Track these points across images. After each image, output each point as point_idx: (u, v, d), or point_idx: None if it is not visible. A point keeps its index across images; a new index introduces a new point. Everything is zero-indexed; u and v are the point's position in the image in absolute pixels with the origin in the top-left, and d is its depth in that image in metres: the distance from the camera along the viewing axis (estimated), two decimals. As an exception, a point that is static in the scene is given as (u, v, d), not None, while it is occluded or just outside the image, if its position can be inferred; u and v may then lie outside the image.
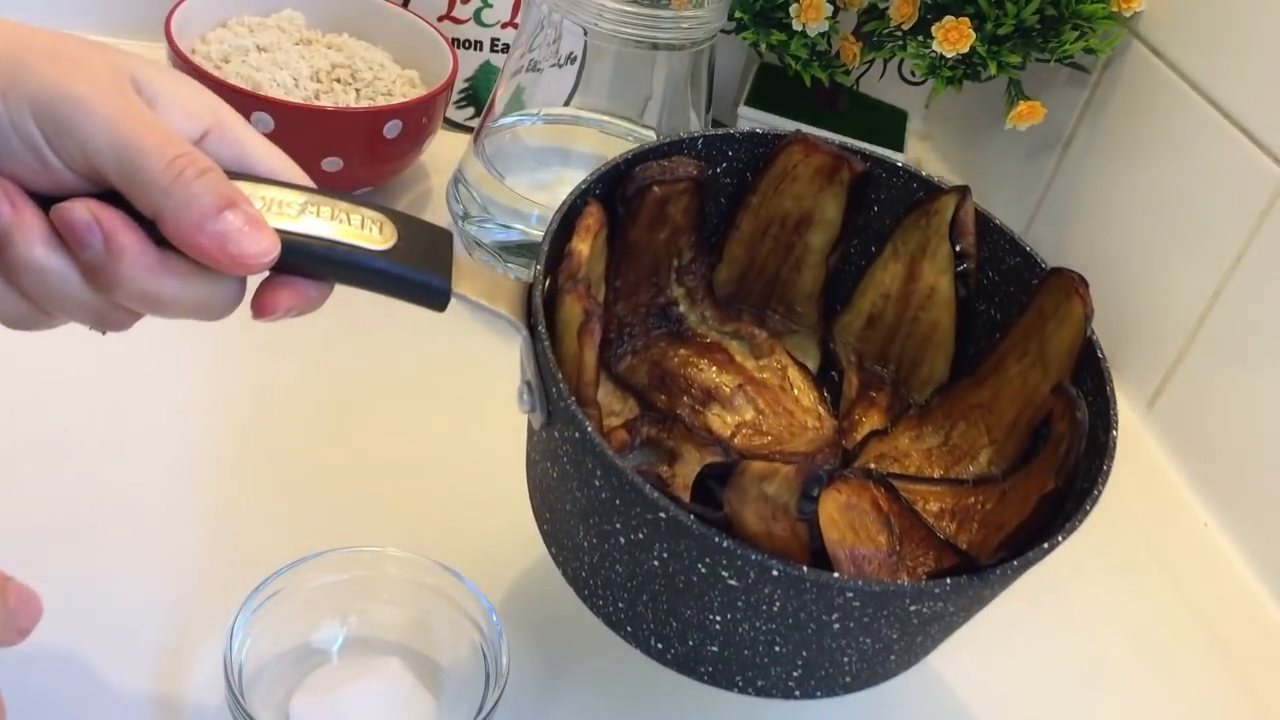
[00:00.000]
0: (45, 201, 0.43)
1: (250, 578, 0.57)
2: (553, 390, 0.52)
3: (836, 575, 0.49)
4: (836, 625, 0.51)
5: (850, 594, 0.49)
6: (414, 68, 0.95)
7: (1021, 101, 1.01)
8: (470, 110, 1.05)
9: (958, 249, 0.64)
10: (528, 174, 0.87)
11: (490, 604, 0.59)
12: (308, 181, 0.49)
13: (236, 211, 0.44)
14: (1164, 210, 0.95)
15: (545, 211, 0.83)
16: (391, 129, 0.87)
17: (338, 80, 0.91)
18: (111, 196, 0.43)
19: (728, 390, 0.66)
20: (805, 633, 0.51)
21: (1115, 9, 0.97)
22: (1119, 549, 0.83)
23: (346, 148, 0.86)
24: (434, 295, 0.49)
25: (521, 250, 0.84)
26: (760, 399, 0.67)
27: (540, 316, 0.52)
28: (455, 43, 0.99)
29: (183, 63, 0.85)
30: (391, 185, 0.96)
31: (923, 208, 0.65)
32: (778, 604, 0.50)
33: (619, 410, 0.65)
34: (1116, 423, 0.57)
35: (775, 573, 0.48)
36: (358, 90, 0.91)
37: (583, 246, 0.55)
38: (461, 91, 1.04)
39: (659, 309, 0.67)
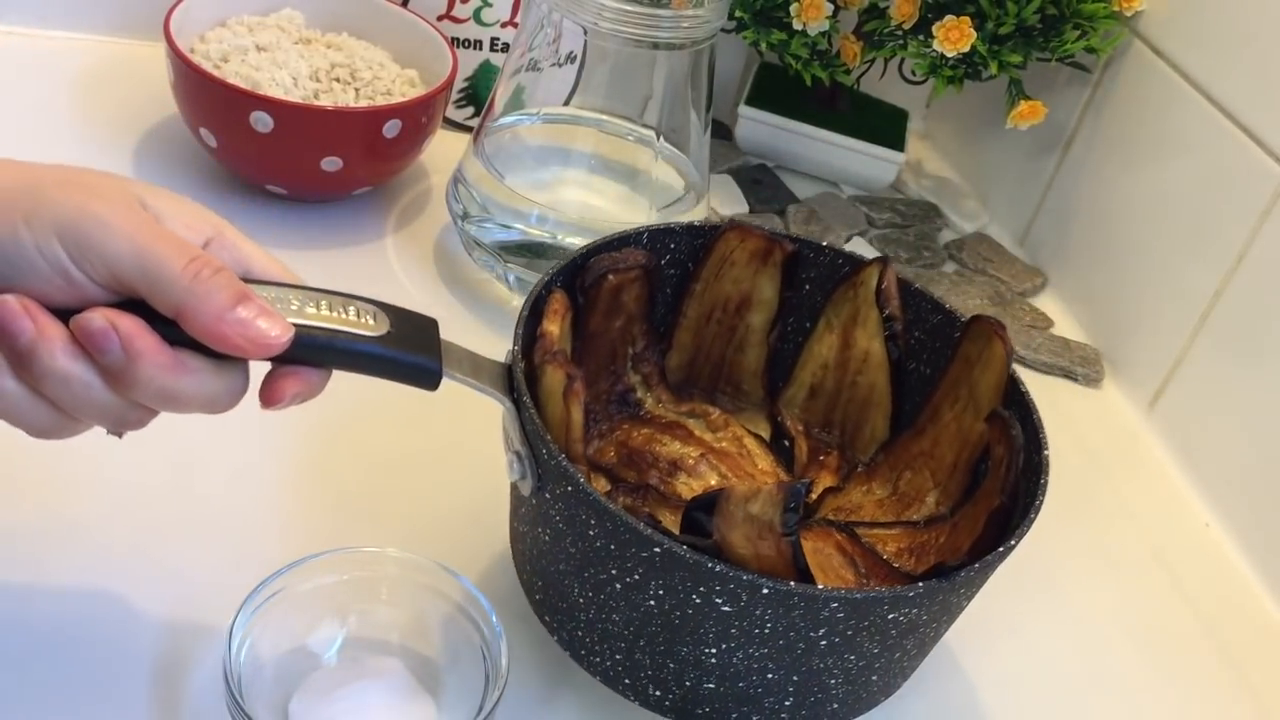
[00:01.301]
0: (64, 315, 0.47)
1: (250, 578, 0.57)
2: (543, 452, 0.56)
3: (822, 586, 0.52)
4: (824, 642, 0.54)
5: (835, 604, 0.53)
6: (413, 67, 0.95)
7: (1022, 101, 1.01)
8: (470, 110, 1.05)
9: (886, 314, 0.70)
10: (527, 174, 0.87)
11: (490, 605, 0.59)
12: (301, 282, 0.54)
13: (250, 304, 0.49)
14: (1165, 210, 0.95)
15: (545, 211, 0.83)
16: (391, 128, 0.87)
17: (337, 80, 0.91)
18: (124, 306, 0.48)
19: (691, 460, 0.71)
20: (795, 654, 0.55)
21: (1116, 8, 0.97)
22: (1119, 549, 0.83)
23: (346, 147, 0.86)
24: (428, 376, 0.54)
25: (521, 250, 0.84)
26: (722, 465, 0.71)
27: (524, 389, 0.57)
28: (455, 42, 0.99)
29: (181, 62, 0.84)
30: (391, 185, 0.96)
31: (849, 280, 0.71)
32: (769, 625, 0.53)
33: None
34: (1047, 444, 0.62)
35: (766, 591, 0.52)
36: (357, 90, 0.91)
37: (553, 327, 0.60)
38: (461, 91, 1.04)
39: (618, 396, 0.72)
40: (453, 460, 0.74)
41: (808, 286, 0.72)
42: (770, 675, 0.56)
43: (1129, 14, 0.98)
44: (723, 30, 0.85)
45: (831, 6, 1.00)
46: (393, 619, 0.60)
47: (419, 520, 0.70)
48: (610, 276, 0.66)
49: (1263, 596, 0.83)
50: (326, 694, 0.56)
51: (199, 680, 0.59)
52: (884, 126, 1.13)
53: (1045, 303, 1.05)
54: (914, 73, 1.02)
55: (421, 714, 0.57)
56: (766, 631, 0.53)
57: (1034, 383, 0.96)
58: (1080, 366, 0.97)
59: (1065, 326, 1.02)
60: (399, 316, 0.53)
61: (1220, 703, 0.74)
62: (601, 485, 0.67)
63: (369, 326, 0.52)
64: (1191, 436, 0.91)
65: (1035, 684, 0.72)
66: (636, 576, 0.54)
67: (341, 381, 0.77)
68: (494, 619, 0.58)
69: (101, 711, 0.57)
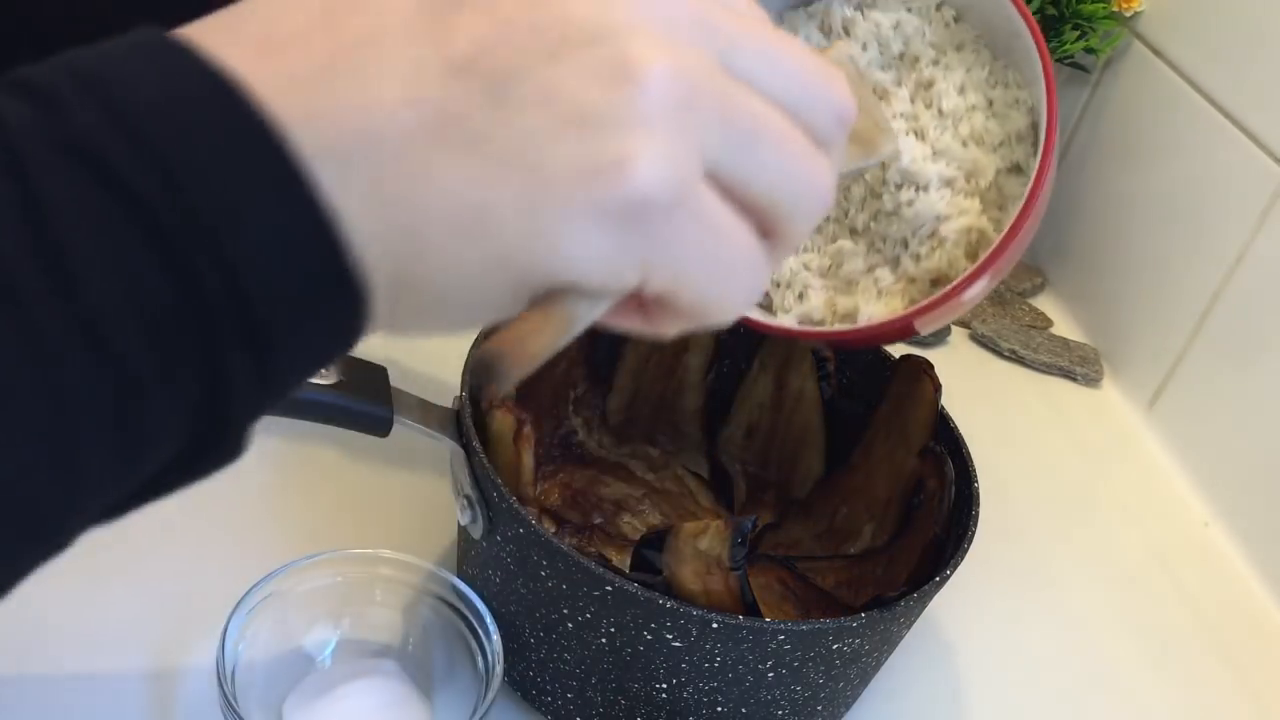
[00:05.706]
0: None
1: (244, 580, 0.57)
2: (493, 495, 0.57)
3: (768, 620, 0.54)
4: (771, 674, 0.56)
5: (782, 636, 0.54)
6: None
7: (1021, 101, 1.00)
8: (469, 111, 1.05)
9: (818, 356, 0.72)
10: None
11: (484, 606, 0.59)
12: None
13: None
14: (1165, 210, 0.94)
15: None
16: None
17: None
18: None
19: (635, 500, 0.73)
20: (744, 686, 0.56)
21: (1116, 9, 0.97)
22: (1119, 549, 0.83)
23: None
24: (380, 423, 0.55)
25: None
26: (665, 504, 0.73)
27: (473, 434, 0.58)
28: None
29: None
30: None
31: None
32: (718, 659, 0.55)
33: None
34: (977, 477, 0.63)
35: (715, 625, 0.53)
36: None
37: None
38: (461, 93, 1.04)
39: (561, 439, 0.74)
40: (448, 464, 0.74)
41: (743, 329, 0.73)
42: (720, 708, 0.57)
43: (1128, 14, 0.97)
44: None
45: (830, 7, 1.00)
46: (387, 620, 0.60)
47: (413, 522, 0.70)
48: None
49: (1263, 596, 0.83)
50: (321, 695, 0.56)
51: (193, 682, 0.59)
52: (884, 127, 1.13)
53: (1045, 302, 1.05)
54: (913, 73, 1.02)
55: (416, 715, 0.57)
56: (716, 665, 0.55)
57: (1033, 382, 0.96)
58: (1080, 366, 0.97)
59: (1065, 326, 1.02)
60: (349, 365, 0.55)
61: (1220, 703, 0.74)
62: (547, 526, 0.69)
63: (321, 375, 0.53)
64: (1191, 436, 0.91)
65: (1034, 683, 0.72)
66: (588, 615, 0.56)
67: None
68: (488, 620, 0.58)
69: (95, 712, 0.57)
